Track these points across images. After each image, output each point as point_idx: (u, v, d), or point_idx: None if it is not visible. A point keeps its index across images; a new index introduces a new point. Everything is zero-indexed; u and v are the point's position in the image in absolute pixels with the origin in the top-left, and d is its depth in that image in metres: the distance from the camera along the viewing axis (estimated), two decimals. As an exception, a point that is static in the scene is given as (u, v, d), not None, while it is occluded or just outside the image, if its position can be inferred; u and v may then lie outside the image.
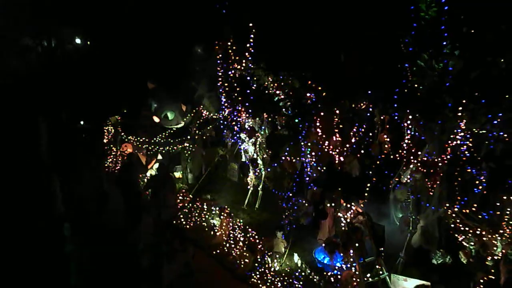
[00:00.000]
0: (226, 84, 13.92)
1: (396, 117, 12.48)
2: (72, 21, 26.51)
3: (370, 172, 11.64)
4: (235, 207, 15.99)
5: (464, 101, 10.12)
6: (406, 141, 12.39)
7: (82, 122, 22.73)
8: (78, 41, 29.80)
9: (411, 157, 12.32)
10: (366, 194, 11.12)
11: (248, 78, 13.10)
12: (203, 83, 19.15)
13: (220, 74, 14.28)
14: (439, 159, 11.66)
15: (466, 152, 11.31)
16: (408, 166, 12.45)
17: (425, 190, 11.96)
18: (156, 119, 19.51)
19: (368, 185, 11.11)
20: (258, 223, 15.09)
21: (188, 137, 18.76)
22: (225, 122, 16.29)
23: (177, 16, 19.65)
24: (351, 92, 10.84)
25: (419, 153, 12.17)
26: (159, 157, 18.80)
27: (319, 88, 10.94)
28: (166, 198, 14.35)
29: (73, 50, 29.84)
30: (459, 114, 10.24)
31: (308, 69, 11.22)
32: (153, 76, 19.82)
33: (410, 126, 12.49)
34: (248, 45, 12.58)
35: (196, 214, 15.47)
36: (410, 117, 11.50)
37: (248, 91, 13.29)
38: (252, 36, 12.51)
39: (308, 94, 11.25)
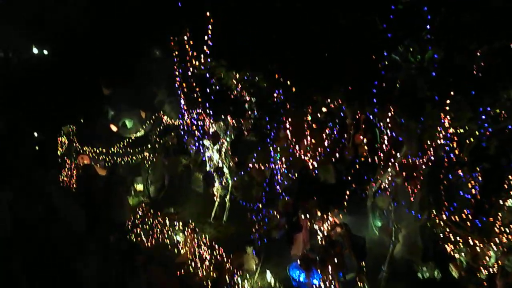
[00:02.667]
0: (184, 85, 12.56)
1: (371, 116, 11.41)
2: (29, 30, 24.98)
3: (348, 178, 10.44)
4: (201, 221, 14.71)
5: (451, 93, 9.02)
6: (384, 142, 11.27)
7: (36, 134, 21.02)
8: (35, 50, 28.37)
9: (390, 160, 11.27)
10: (344, 202, 9.93)
11: (208, 76, 11.77)
12: (163, 88, 17.97)
13: (177, 74, 12.91)
14: (420, 161, 10.63)
15: (451, 153, 10.26)
16: (386, 170, 11.36)
17: (406, 195, 10.94)
18: (113, 128, 18.16)
19: (347, 192, 9.93)
20: (226, 237, 13.84)
21: (149, 146, 17.42)
22: (187, 128, 14.96)
23: (131, 14, 18.20)
24: (323, 87, 9.64)
25: (398, 155, 11.11)
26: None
27: (288, 82, 9.70)
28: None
29: (29, 59, 28.28)
30: (446, 108, 9.13)
31: (274, 62, 9.96)
32: (108, 81, 18.44)
33: (387, 125, 11.35)
34: (206, 37, 11.24)
35: (158, 231, 14.06)
36: (388, 114, 10.39)
37: (209, 91, 11.94)
38: (210, 27, 11.14)
39: (275, 92, 10.00)
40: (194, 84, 12.08)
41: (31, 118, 19.50)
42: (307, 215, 10.42)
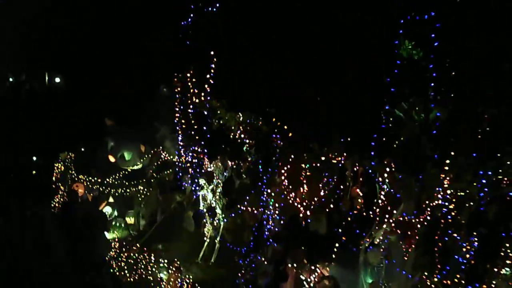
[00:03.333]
0: (183, 121, 12.46)
1: (370, 170, 11.19)
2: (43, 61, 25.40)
3: (340, 230, 10.13)
4: (188, 260, 14.26)
5: (452, 153, 8.84)
6: (381, 197, 11.01)
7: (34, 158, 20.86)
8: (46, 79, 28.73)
9: (385, 216, 10.97)
10: (334, 255, 9.59)
11: (208, 115, 11.68)
12: (167, 123, 17.94)
13: (177, 109, 12.84)
14: (416, 220, 10.35)
15: (448, 215, 9.98)
16: (381, 226, 11.06)
17: (399, 253, 10.61)
18: (111, 159, 18.02)
19: (337, 245, 9.60)
20: (212, 280, 13.37)
21: (144, 180, 17.23)
22: (183, 166, 14.80)
23: (140, 52, 18.39)
24: (322, 135, 9.50)
25: (394, 212, 10.83)
26: (111, 199, 17.13)
27: (285, 127, 9.56)
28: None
29: (39, 89, 28.56)
30: (445, 168, 8.93)
31: (273, 106, 9.87)
32: (112, 113, 18.46)
33: (386, 181, 11.13)
34: (208, 75, 11.21)
35: (142, 266, 13.68)
36: (387, 169, 10.19)
37: (206, 130, 11.83)
38: (213, 66, 11.14)
39: (273, 136, 9.85)
40: (193, 121, 11.95)
41: (31, 142, 19.55)
42: (295, 265, 10.03)
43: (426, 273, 9.58)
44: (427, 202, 10.26)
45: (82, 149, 18.57)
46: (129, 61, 18.57)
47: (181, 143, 13.32)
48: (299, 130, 9.69)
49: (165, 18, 15.66)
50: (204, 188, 14.37)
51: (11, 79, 27.43)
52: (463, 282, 9.04)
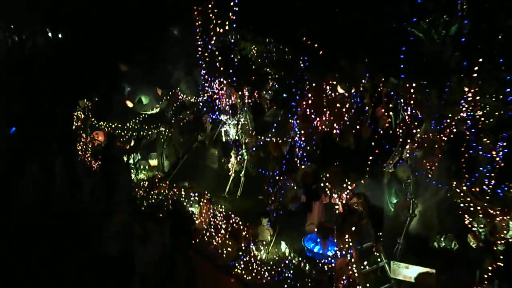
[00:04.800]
0: (206, 54, 12.55)
1: (392, 92, 11.34)
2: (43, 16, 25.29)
3: (372, 144, 10.37)
4: (215, 195, 14.65)
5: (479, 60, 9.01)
6: (405, 117, 11.23)
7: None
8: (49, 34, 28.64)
9: (409, 135, 11.22)
10: (367, 168, 9.91)
11: (231, 44, 11.76)
12: (180, 67, 18.05)
13: (199, 44, 12.90)
14: (439, 136, 10.59)
15: (472, 128, 10.21)
16: (406, 143, 11.31)
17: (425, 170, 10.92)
18: (129, 104, 18.24)
19: (370, 158, 9.89)
20: (241, 211, 13.77)
21: (164, 122, 17.48)
22: (205, 105, 15.03)
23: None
24: (349, 51, 9.64)
25: (418, 131, 11.06)
26: (132, 143, 17.43)
27: (315, 45, 9.68)
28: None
29: (44, 43, 28.53)
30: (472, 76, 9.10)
31: (300, 27, 9.95)
32: (126, 59, 18.54)
33: (407, 102, 11.29)
34: (232, 3, 11.22)
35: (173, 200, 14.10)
36: (411, 90, 10.35)
37: (231, 61, 11.94)
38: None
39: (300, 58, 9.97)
40: (217, 53, 12.04)
41: (49, 92, 19.73)
42: (327, 184, 10.36)
43: (454, 183, 9.89)
44: (449, 118, 10.44)
45: (100, 96, 18.61)
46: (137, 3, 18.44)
47: (205, 77, 13.37)
48: (327, 47, 9.78)
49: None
50: (226, 124, 14.65)
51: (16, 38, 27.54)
52: (491, 186, 9.34)
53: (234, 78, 12.00)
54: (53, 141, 15.82)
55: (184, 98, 17.35)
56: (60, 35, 28.57)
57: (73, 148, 16.78)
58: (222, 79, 12.78)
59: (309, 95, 10.60)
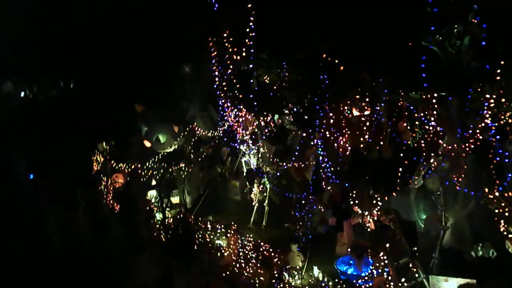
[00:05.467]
0: (224, 84, 12.66)
1: (412, 107, 11.31)
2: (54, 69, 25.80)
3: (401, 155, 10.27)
4: (240, 227, 14.51)
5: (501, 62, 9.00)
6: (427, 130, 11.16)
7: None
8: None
9: (433, 148, 11.13)
10: (398, 181, 9.80)
11: (249, 71, 11.88)
12: (194, 103, 18.20)
13: (216, 74, 13.03)
14: (464, 146, 10.49)
15: (496, 135, 10.12)
16: (430, 157, 11.20)
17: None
18: (147, 144, 18.31)
19: (397, 173, 9.80)
20: (269, 240, 13.57)
21: (183, 158, 17.52)
22: (224, 137, 15.11)
23: (161, 33, 18.57)
24: (370, 66, 9.69)
25: (441, 142, 10.97)
26: (153, 182, 17.46)
27: (335, 61, 9.74)
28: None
29: (57, 93, 28.96)
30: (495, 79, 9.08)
31: (320, 44, 10.04)
32: (141, 99, 18.74)
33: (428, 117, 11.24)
34: (248, 29, 11.37)
35: (199, 236, 14.00)
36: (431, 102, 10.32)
37: (249, 87, 12.04)
38: (252, 19, 11.29)
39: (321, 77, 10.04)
40: (235, 81, 12.14)
41: (66, 139, 19.99)
42: (356, 202, 10.26)
43: (486, 189, 9.75)
44: (472, 128, 10.37)
45: (117, 139, 18.76)
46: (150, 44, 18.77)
47: (224, 107, 13.46)
48: (348, 63, 9.84)
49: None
50: (246, 154, 14.67)
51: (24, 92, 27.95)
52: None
53: (254, 103, 12.01)
54: (75, 187, 15.97)
55: (201, 133, 17.42)
56: (71, 85, 29.02)
57: (95, 192, 16.83)
58: (241, 107, 12.79)
59: (330, 114, 10.57)
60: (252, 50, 11.43)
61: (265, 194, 14.86)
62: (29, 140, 20.68)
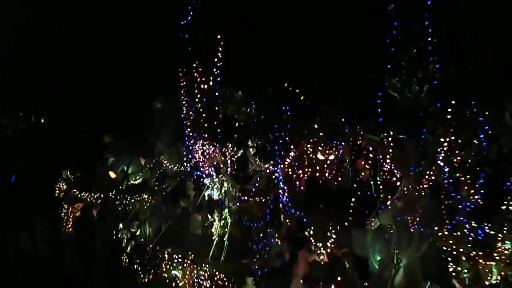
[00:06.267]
0: (190, 113, 12.96)
1: (370, 147, 11.71)
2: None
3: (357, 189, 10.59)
4: (198, 260, 14.49)
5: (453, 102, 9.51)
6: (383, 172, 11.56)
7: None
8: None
9: (389, 190, 11.49)
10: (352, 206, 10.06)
11: (215, 101, 12.24)
12: (163, 138, 18.38)
13: (183, 103, 13.35)
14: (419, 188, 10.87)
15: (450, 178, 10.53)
16: (387, 198, 11.54)
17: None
18: (112, 174, 18.37)
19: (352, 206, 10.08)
20: (225, 274, 13.61)
21: (147, 191, 17.57)
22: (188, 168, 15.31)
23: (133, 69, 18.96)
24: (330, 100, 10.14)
25: (398, 184, 11.33)
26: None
27: (297, 91, 10.15)
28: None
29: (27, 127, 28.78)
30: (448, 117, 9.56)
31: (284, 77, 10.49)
32: (109, 130, 18.93)
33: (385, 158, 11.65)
34: (216, 59, 11.80)
35: (156, 266, 14.00)
36: (390, 139, 10.75)
37: (215, 117, 12.38)
38: (220, 49, 11.73)
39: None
40: (201, 110, 12.46)
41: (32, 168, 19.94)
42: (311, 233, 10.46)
43: (436, 228, 10.05)
44: (428, 172, 10.77)
45: (82, 168, 18.79)
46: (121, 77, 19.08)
47: (190, 136, 13.71)
48: (310, 96, 10.25)
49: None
50: (209, 188, 14.82)
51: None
52: (473, 226, 9.52)
53: (218, 135, 12.31)
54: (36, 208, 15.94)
55: (167, 167, 17.53)
56: (42, 120, 28.91)
57: (55, 216, 16.77)
58: (205, 136, 13.04)
59: (292, 148, 10.91)
60: (219, 80, 11.78)
61: (226, 229, 14.86)
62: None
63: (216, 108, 12.32)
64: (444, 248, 9.98)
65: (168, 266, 13.74)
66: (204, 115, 12.56)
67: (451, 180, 10.45)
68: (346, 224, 10.30)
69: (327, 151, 11.07)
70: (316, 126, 10.85)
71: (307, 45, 10.71)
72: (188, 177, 16.26)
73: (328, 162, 11.55)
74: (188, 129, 13.67)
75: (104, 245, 15.42)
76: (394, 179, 11.37)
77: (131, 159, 18.38)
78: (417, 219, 10.58)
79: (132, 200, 17.12)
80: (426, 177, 10.68)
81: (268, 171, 12.04)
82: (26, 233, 15.29)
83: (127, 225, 17.49)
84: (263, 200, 12.88)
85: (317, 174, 11.41)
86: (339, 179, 11.13)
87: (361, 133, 11.13)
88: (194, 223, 16.47)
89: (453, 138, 10.14)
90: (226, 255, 14.77)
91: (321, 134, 10.84)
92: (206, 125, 12.60)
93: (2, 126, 27.64)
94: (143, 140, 18.69)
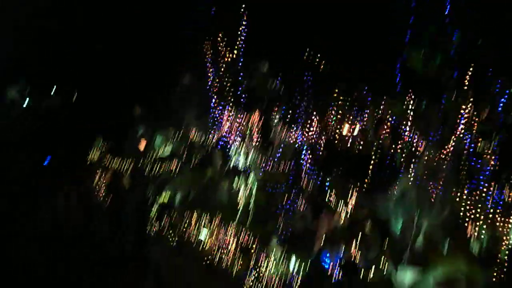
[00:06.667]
0: (216, 81, 13.44)
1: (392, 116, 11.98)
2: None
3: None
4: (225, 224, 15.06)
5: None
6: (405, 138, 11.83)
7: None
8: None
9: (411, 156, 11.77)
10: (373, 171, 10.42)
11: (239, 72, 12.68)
12: (191, 111, 18.81)
13: (209, 75, 13.83)
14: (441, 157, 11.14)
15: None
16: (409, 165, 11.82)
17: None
18: (142, 145, 18.92)
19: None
20: (251, 237, 14.15)
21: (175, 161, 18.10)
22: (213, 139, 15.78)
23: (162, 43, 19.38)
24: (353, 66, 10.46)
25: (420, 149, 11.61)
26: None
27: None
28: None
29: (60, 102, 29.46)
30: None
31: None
32: (140, 102, 19.43)
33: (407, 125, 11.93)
34: (239, 31, 12.20)
35: (184, 227, 14.65)
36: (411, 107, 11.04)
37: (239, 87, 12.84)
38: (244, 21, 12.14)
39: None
40: (226, 79, 12.90)
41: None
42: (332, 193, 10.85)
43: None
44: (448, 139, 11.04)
45: (114, 138, 19.37)
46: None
47: (215, 107, 14.14)
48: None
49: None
50: (235, 155, 15.29)
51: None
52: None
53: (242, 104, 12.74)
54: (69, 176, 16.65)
55: (195, 138, 17.99)
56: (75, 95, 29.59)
57: (87, 184, 17.49)
58: (230, 106, 13.48)
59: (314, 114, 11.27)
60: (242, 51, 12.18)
61: (251, 196, 15.34)
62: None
63: (240, 78, 12.68)
64: (463, 212, 10.21)
65: (195, 230, 14.24)
66: (229, 84, 12.95)
67: (470, 147, 10.66)
68: (365, 187, 10.58)
69: (349, 120, 11.33)
70: (338, 96, 11.12)
71: (330, 14, 10.98)
72: (214, 147, 16.70)
73: (350, 130, 11.80)
74: (214, 99, 14.05)
75: (133, 212, 15.97)
76: (415, 146, 11.59)
77: (160, 130, 18.86)
78: (438, 184, 10.82)
79: (161, 170, 17.59)
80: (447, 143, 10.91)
81: (291, 139, 12.37)
82: (60, 200, 15.96)
83: (156, 194, 18.13)
84: (287, 167, 13.23)
85: (338, 140, 11.68)
86: (360, 145, 11.40)
87: (383, 102, 11.34)
88: (221, 192, 17.03)
89: (471, 106, 10.33)
90: (251, 221, 15.29)
91: (341, 102, 11.09)
92: (231, 94, 12.99)
93: (36, 102, 28.59)
94: (172, 112, 19.17)
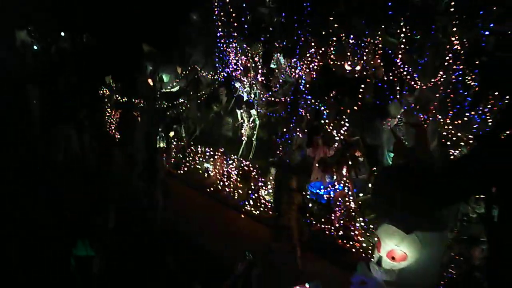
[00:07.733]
0: (222, 14, 14.08)
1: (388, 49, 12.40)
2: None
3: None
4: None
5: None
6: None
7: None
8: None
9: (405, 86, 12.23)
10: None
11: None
12: (199, 50, 19.30)
13: (215, 6, 14.43)
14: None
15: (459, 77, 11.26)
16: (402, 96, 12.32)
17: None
18: (151, 82, 19.57)
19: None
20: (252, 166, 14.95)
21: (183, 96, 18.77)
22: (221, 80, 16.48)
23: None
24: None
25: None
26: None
27: None
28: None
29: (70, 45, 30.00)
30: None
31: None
32: (148, 40, 19.98)
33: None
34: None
35: (190, 158, 15.48)
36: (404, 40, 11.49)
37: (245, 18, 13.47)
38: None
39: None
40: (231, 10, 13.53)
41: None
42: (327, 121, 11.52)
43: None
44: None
45: (124, 75, 20.05)
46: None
47: (221, 41, 14.79)
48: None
49: None
50: (240, 91, 15.96)
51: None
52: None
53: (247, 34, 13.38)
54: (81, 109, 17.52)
55: (202, 75, 18.60)
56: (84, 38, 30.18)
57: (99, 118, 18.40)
58: (235, 35, 14.09)
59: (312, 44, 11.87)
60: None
61: (254, 130, 16.05)
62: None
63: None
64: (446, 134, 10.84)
65: (201, 159, 15.12)
66: (234, 15, 13.55)
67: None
68: (356, 109, 11.17)
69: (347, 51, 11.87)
70: (335, 25, 11.64)
71: None
72: (220, 84, 17.34)
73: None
74: (220, 30, 14.66)
75: (142, 146, 16.72)
76: (408, 76, 12.07)
77: (168, 68, 19.45)
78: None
79: (169, 105, 18.30)
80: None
81: (292, 74, 13.03)
82: (75, 131, 16.86)
83: (164, 128, 18.93)
84: (287, 99, 13.88)
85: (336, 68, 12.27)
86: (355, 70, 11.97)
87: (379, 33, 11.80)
88: (226, 126, 17.79)
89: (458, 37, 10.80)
90: (254, 153, 16.09)
91: (338, 32, 11.60)
92: (235, 24, 13.60)
93: (47, 45, 29.19)
94: (180, 50, 19.72)
